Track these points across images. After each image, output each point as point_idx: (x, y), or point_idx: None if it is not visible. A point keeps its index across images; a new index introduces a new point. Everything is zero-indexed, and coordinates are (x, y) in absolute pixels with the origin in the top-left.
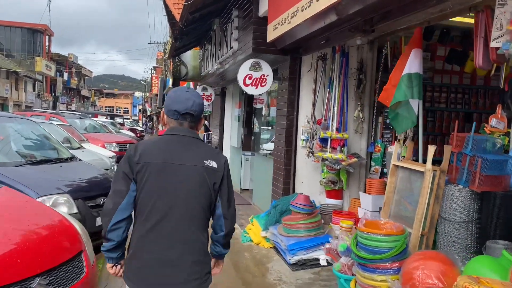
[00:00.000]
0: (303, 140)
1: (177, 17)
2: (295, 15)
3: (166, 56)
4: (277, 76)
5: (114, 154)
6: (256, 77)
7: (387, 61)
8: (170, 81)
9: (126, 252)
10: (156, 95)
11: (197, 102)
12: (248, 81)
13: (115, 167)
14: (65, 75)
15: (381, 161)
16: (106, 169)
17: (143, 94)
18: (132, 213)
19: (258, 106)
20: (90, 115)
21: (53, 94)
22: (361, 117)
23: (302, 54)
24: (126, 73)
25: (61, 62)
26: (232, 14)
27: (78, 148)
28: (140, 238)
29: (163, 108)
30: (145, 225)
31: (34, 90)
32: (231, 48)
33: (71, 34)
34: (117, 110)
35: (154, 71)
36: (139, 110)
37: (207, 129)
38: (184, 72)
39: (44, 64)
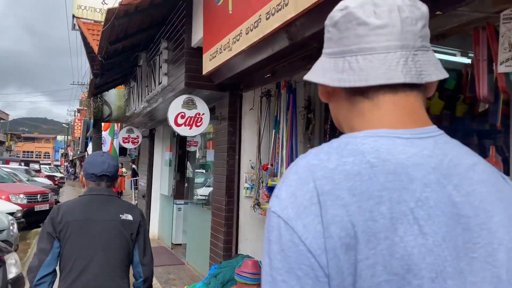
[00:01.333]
0: (247, 188)
1: (95, 48)
2: (238, 40)
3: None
4: (215, 115)
5: (20, 208)
6: (189, 116)
7: None
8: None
9: None
10: (79, 138)
11: (111, 164)
12: (180, 121)
13: (15, 227)
14: None
15: None
16: (1, 230)
17: (66, 138)
18: (57, 268)
19: (192, 149)
20: (1, 162)
21: None
22: None
23: (243, 90)
24: (49, 116)
25: None
26: (161, 45)
27: None
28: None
29: (81, 172)
30: (70, 277)
31: None
32: (159, 83)
33: None
34: (37, 155)
35: (78, 114)
36: (61, 154)
37: (134, 174)
38: (107, 112)
39: None
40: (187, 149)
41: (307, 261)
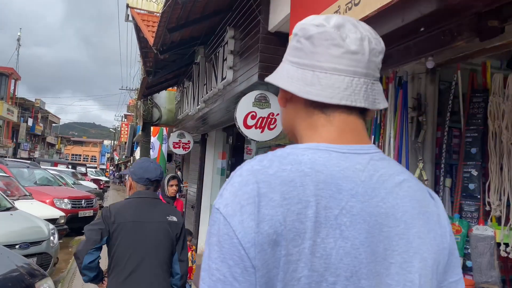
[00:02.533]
0: None
1: (150, 40)
2: (351, 8)
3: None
4: None
5: (63, 214)
6: (262, 116)
7: (456, 99)
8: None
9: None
10: (125, 143)
11: (161, 170)
12: (250, 122)
13: (56, 237)
14: (30, 121)
15: (463, 250)
16: (40, 240)
17: (112, 143)
18: (100, 254)
19: (248, 157)
20: (50, 164)
21: (14, 140)
22: (424, 178)
23: None
24: (97, 122)
25: (27, 108)
26: (226, 35)
27: (7, 209)
28: (118, 285)
29: (128, 177)
30: (122, 275)
31: None
32: (223, 79)
33: (47, 83)
34: (84, 158)
35: (125, 119)
36: (107, 158)
37: (179, 181)
38: (157, 115)
39: (6, 108)
40: (244, 158)
41: (238, 252)
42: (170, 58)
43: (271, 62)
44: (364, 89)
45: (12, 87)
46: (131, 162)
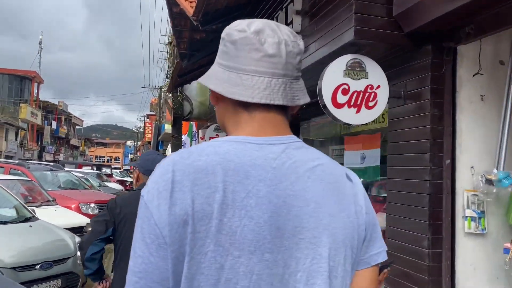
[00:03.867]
0: (471, 219)
1: (189, 10)
2: None
3: (165, 89)
4: (398, 90)
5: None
6: (356, 90)
7: None
8: (166, 126)
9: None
10: (149, 142)
11: None
12: (341, 99)
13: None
14: (54, 124)
15: None
16: (65, 257)
17: (135, 143)
18: (104, 247)
19: None
20: (74, 166)
21: (39, 143)
22: None
23: (461, 41)
24: (119, 123)
25: (50, 110)
26: None
27: (26, 220)
28: (124, 277)
29: (136, 169)
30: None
31: (16, 138)
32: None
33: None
34: (107, 159)
35: (148, 119)
36: (131, 159)
37: None
38: (188, 109)
39: (29, 111)
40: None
41: (154, 231)
42: (207, 37)
43: (369, 12)
44: (282, 88)
45: (35, 91)
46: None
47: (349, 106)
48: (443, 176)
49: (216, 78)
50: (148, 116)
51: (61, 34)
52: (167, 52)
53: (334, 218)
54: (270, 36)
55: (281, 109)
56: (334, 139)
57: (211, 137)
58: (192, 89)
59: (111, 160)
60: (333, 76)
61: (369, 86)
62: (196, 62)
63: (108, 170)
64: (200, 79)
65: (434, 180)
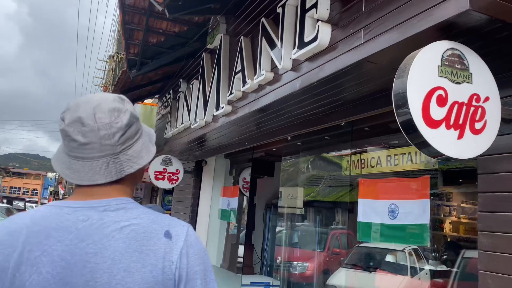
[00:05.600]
0: None
1: None
2: None
3: None
4: (509, 108)
5: None
6: (457, 101)
7: None
8: None
9: None
10: None
11: None
12: (437, 112)
13: None
14: None
15: None
16: None
17: (57, 175)
18: None
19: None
20: None
21: None
22: None
23: None
24: (42, 153)
25: None
26: None
27: None
28: None
29: None
30: None
31: None
32: (302, 45)
33: None
34: (24, 191)
35: None
36: (50, 192)
37: None
38: None
39: None
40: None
41: None
42: (166, 42)
43: None
44: (104, 167)
45: None
46: None
47: (448, 126)
48: None
49: (57, 161)
50: None
51: None
52: (104, 70)
53: (130, 274)
54: (84, 125)
55: (111, 181)
56: (338, 179)
57: (157, 171)
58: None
59: (28, 192)
60: (422, 74)
61: (475, 97)
62: (148, 73)
63: (21, 204)
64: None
65: None
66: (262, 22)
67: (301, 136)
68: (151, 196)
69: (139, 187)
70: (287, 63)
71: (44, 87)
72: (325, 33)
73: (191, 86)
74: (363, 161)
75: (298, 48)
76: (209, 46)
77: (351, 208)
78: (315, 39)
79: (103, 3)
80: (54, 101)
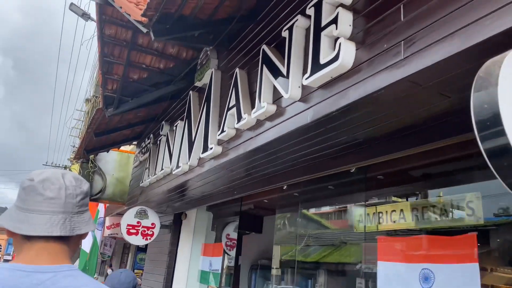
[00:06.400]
0: None
1: (136, 12)
2: None
3: (72, 157)
4: None
5: None
6: None
7: None
8: None
9: None
10: None
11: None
12: None
13: None
14: None
15: None
16: None
17: None
18: None
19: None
20: None
21: None
22: None
23: None
24: (5, 204)
25: None
26: None
27: None
28: None
29: None
30: None
31: None
32: (316, 67)
33: None
34: None
35: None
36: None
37: None
38: (99, 186)
39: None
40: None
41: None
42: (149, 78)
43: None
44: (61, 222)
45: None
46: None
47: None
48: None
49: (9, 217)
50: None
51: None
52: (82, 121)
53: None
54: (53, 183)
55: (60, 239)
56: (352, 236)
57: (129, 224)
58: (109, 160)
59: None
60: None
61: None
62: (127, 112)
63: None
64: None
65: None
66: (263, 49)
67: (299, 185)
68: (122, 253)
69: (108, 244)
70: (295, 91)
71: (20, 139)
72: (349, 51)
73: (174, 128)
74: (380, 214)
75: (311, 72)
76: (197, 84)
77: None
78: (335, 59)
79: (86, 55)
80: (29, 153)
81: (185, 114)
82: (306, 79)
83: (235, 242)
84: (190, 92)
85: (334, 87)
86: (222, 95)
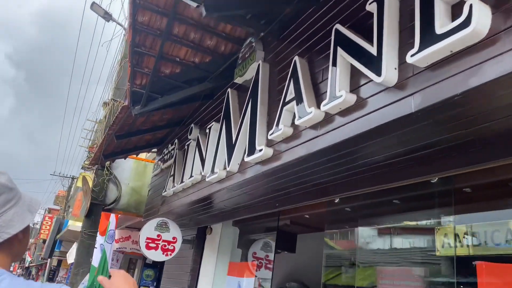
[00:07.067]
0: None
1: None
2: None
3: (86, 162)
4: None
5: None
6: None
7: None
8: (70, 222)
9: None
10: (44, 241)
11: None
12: None
13: None
14: None
15: None
16: None
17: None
18: None
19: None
20: None
21: None
22: None
23: None
24: None
25: None
26: None
27: None
28: None
29: None
30: None
31: None
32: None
33: None
34: None
35: (48, 213)
36: None
37: None
38: (113, 196)
39: None
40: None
41: None
42: (182, 73)
43: None
44: None
45: None
46: (49, 265)
47: None
48: None
49: None
50: (49, 210)
51: None
52: (92, 131)
53: None
54: None
55: None
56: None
57: (148, 238)
58: (125, 168)
59: None
60: None
61: None
62: (155, 111)
63: None
64: None
65: None
66: (337, 30)
67: (358, 197)
68: (127, 269)
69: (114, 258)
70: (391, 74)
71: (29, 150)
72: (484, 14)
73: (207, 131)
74: (474, 234)
75: (420, 47)
76: (237, 81)
77: None
78: (465, 24)
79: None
80: (34, 164)
81: (222, 114)
82: (412, 56)
83: (262, 261)
84: (229, 90)
85: (452, 64)
86: (270, 91)
